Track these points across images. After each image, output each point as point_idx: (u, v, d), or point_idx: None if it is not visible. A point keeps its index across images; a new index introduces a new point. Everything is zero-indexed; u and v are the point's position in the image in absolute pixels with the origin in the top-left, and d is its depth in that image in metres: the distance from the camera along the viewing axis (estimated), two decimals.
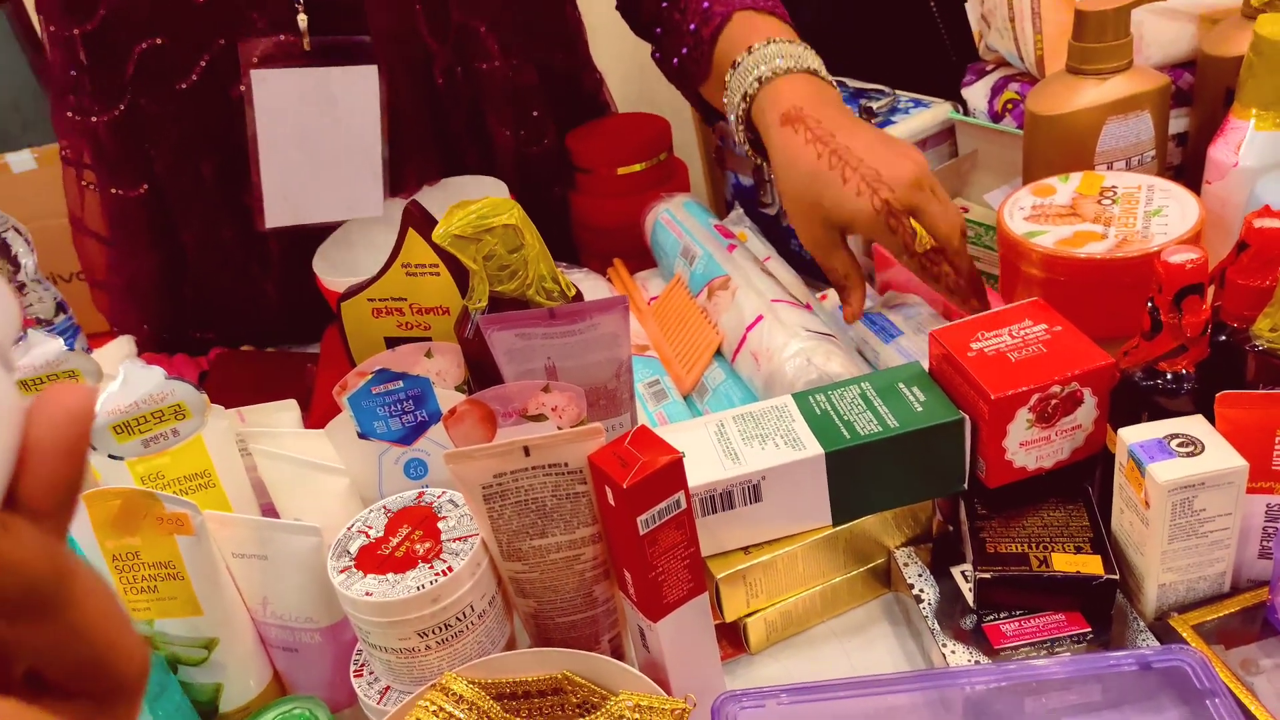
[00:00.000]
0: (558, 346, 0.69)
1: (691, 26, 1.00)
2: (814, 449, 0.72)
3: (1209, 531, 0.65)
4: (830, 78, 0.92)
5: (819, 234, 0.88)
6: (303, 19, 0.98)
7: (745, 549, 0.73)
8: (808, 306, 0.91)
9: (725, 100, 0.95)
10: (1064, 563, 0.69)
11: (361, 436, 0.72)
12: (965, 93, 1.11)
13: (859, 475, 0.72)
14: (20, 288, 0.96)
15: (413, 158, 1.08)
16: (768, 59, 0.91)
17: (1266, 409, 0.64)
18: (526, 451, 0.60)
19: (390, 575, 0.62)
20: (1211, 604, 0.68)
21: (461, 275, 0.78)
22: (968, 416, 0.72)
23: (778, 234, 1.13)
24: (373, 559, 0.63)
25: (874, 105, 1.09)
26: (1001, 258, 0.86)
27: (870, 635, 0.76)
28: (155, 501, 0.65)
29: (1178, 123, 0.98)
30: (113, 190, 1.08)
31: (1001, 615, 0.70)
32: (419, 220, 0.81)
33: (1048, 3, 0.97)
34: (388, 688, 0.66)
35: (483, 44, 1.08)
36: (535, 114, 1.15)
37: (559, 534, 0.63)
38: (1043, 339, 0.72)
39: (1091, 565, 0.68)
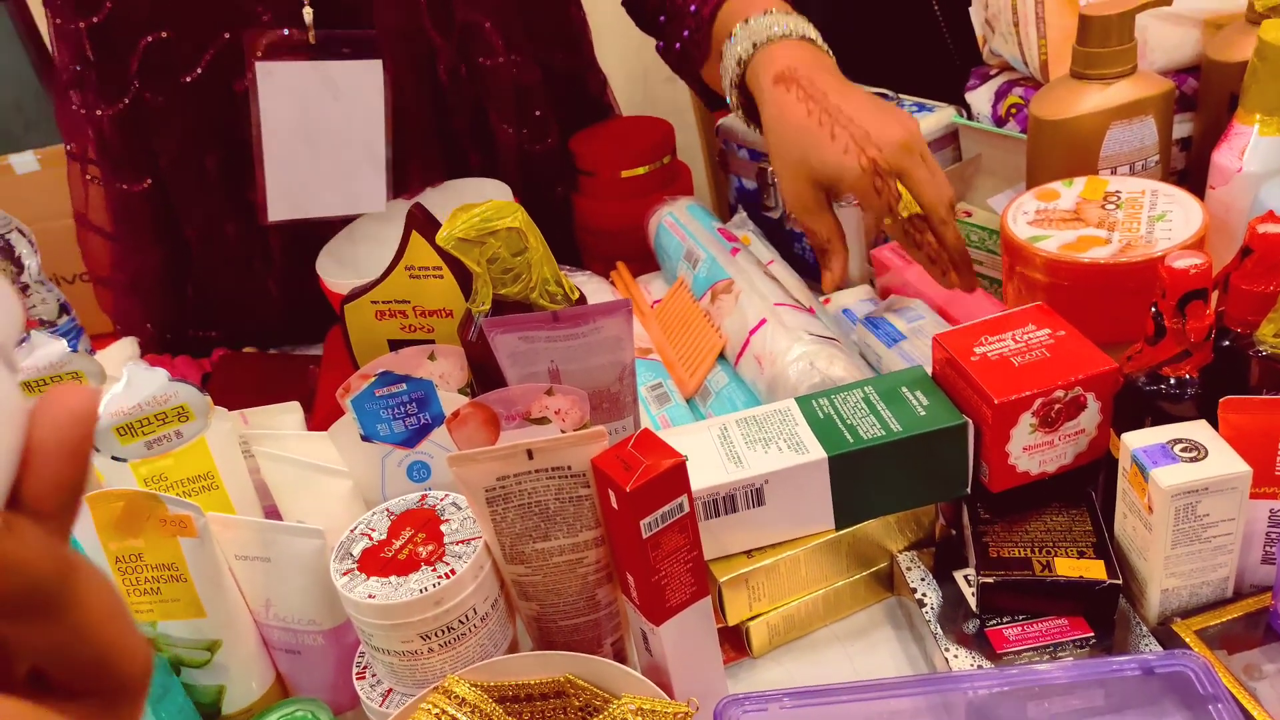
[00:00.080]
0: (561, 349, 0.69)
1: (692, 9, 1.01)
2: (817, 453, 0.72)
3: (1212, 537, 0.65)
4: (826, 47, 0.92)
5: (805, 192, 0.88)
6: (308, 12, 0.98)
7: (748, 552, 0.73)
8: (811, 310, 0.91)
9: (721, 68, 0.95)
10: (1067, 567, 0.69)
11: (364, 439, 0.72)
12: (969, 97, 1.11)
13: (862, 479, 0.72)
14: (24, 289, 0.96)
15: (416, 156, 1.08)
16: (765, 26, 0.91)
17: (1270, 414, 0.64)
18: (530, 454, 0.60)
19: (393, 578, 0.62)
20: (1214, 609, 0.68)
21: (465, 278, 0.78)
22: (971, 421, 0.72)
23: (781, 237, 1.13)
24: (375, 561, 0.63)
25: None
26: (1005, 262, 0.86)
27: (873, 639, 0.76)
28: (158, 503, 0.65)
29: (1181, 128, 0.98)
30: (117, 185, 1.09)
31: (1004, 620, 0.70)
32: (423, 223, 0.81)
33: (1052, 7, 0.97)
34: (390, 690, 0.66)
35: (487, 39, 1.08)
36: (538, 113, 1.15)
37: (562, 537, 0.63)
38: (1046, 344, 0.72)
39: (1094, 570, 0.68)
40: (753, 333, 0.89)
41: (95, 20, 1.01)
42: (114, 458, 0.71)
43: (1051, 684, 0.63)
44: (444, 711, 0.60)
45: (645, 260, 1.12)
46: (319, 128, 1.02)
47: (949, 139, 1.09)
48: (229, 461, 0.74)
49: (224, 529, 0.68)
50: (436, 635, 0.62)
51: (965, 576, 0.73)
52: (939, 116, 1.09)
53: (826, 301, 1.01)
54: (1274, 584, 0.67)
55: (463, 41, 1.07)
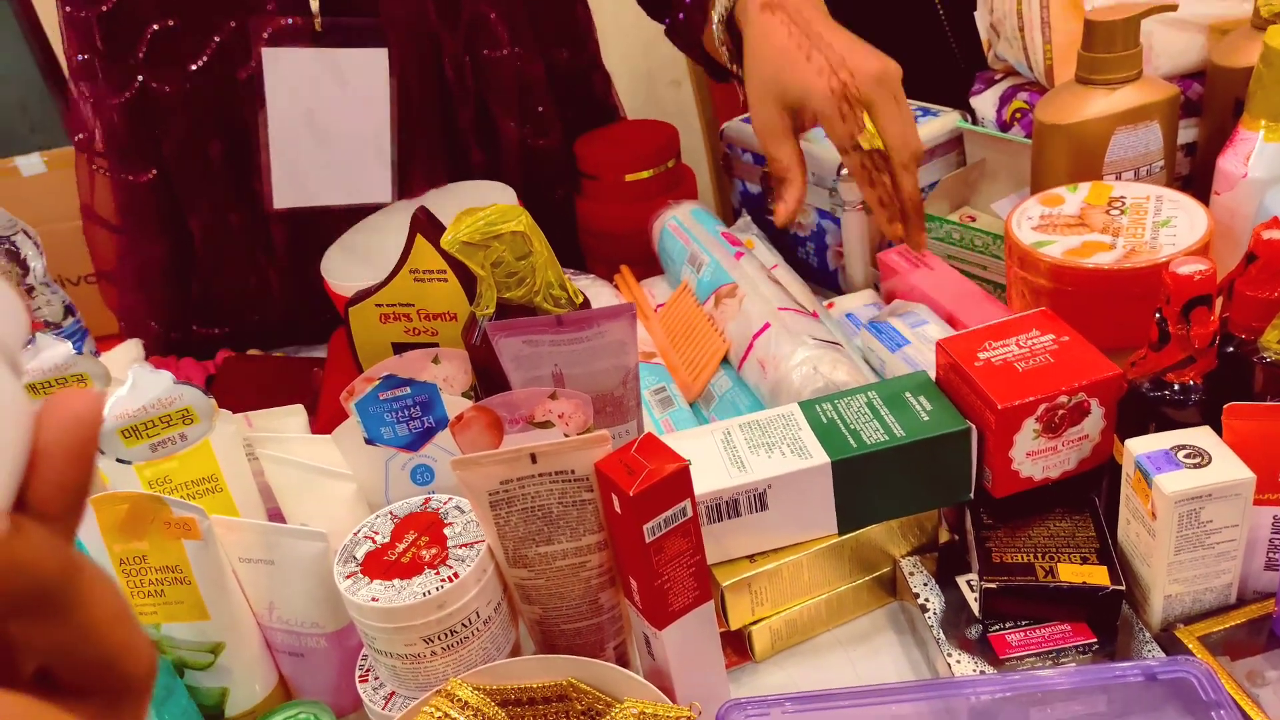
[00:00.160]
0: (565, 353, 0.69)
1: None
2: (820, 458, 0.72)
3: (1215, 543, 0.65)
4: None
5: (772, 116, 0.89)
6: (314, 1, 0.99)
7: (751, 557, 0.73)
8: (815, 315, 0.91)
9: (713, 14, 0.96)
10: (1070, 573, 0.69)
11: (368, 442, 0.72)
12: (974, 101, 1.11)
13: (865, 484, 0.72)
14: (29, 291, 0.96)
15: (420, 148, 1.09)
16: None
17: (1274, 421, 0.64)
18: (533, 458, 0.60)
19: (396, 581, 0.62)
20: (1218, 615, 0.68)
21: (469, 281, 0.78)
22: (974, 426, 0.72)
23: (785, 242, 1.13)
24: (379, 564, 0.63)
25: None
26: (1009, 267, 0.86)
27: (875, 644, 0.76)
28: (162, 506, 0.65)
29: (1186, 133, 0.98)
30: (123, 176, 1.09)
31: (1007, 625, 0.70)
32: (427, 226, 0.81)
33: (1057, 12, 0.97)
34: (393, 693, 0.66)
35: (492, 31, 1.08)
36: (541, 109, 1.15)
37: (565, 541, 0.63)
38: (1050, 349, 0.72)
39: (1097, 576, 0.68)
40: (756, 337, 0.89)
41: (105, 9, 1.01)
42: (118, 460, 0.71)
43: (1054, 690, 0.63)
44: (446, 715, 0.60)
45: (649, 264, 1.12)
46: (324, 116, 1.02)
47: (953, 143, 1.09)
48: (233, 464, 0.74)
49: (228, 531, 0.68)
50: (439, 638, 0.62)
51: (968, 582, 0.73)
52: (944, 121, 1.09)
53: (830, 306, 1.01)
54: (1277, 590, 0.67)
55: (468, 33, 1.07)
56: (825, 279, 1.12)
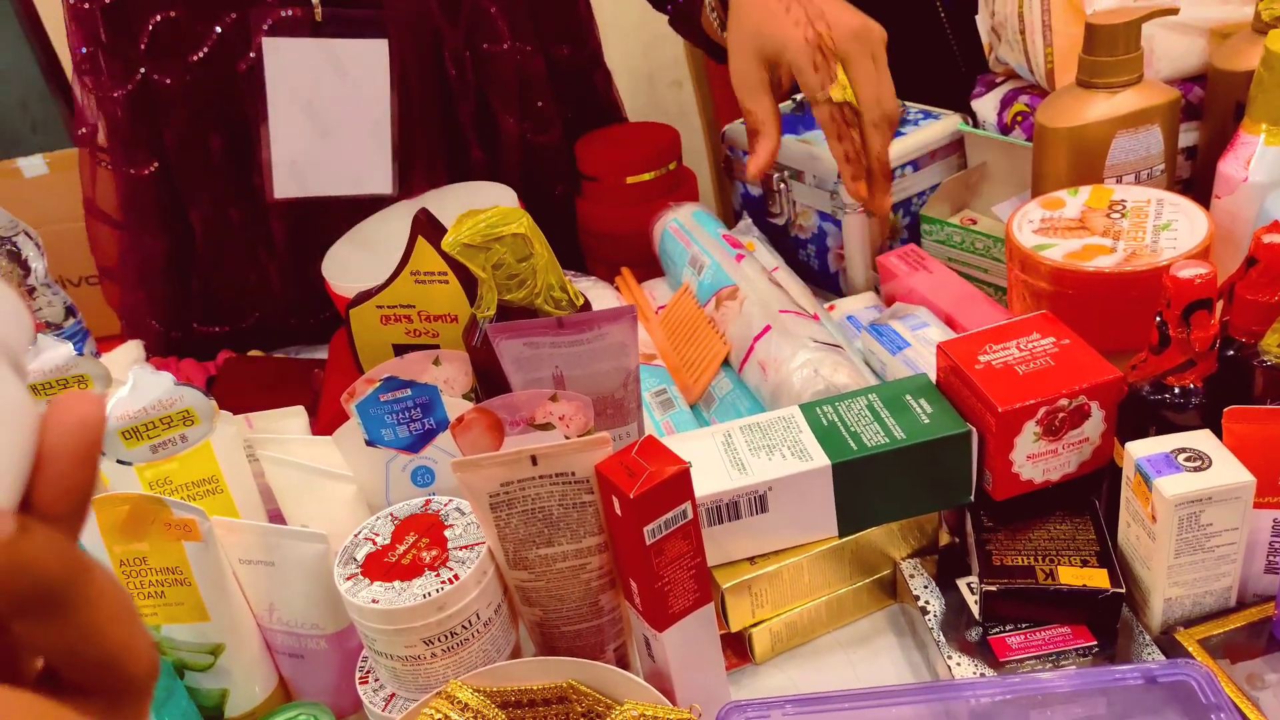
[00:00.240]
0: (565, 355, 0.69)
1: None
2: (821, 460, 0.72)
3: (1215, 546, 0.65)
4: None
5: (749, 69, 0.89)
6: None
7: (751, 559, 0.73)
8: (815, 317, 0.91)
9: None
10: (1070, 576, 0.69)
11: (369, 444, 0.72)
12: (975, 104, 1.11)
13: (865, 487, 0.72)
14: (30, 292, 0.96)
15: (421, 143, 1.09)
16: None
17: (1274, 424, 0.64)
18: (534, 460, 0.60)
19: (396, 583, 0.62)
20: (1217, 618, 0.68)
21: (470, 283, 0.78)
22: (975, 429, 0.72)
23: (786, 244, 1.13)
24: (379, 566, 0.64)
25: None
26: (1010, 270, 0.86)
27: (875, 646, 0.76)
28: (163, 507, 0.65)
29: (1187, 137, 0.98)
30: (125, 169, 1.09)
31: (1007, 628, 0.70)
32: (428, 228, 0.81)
33: (1058, 15, 0.97)
34: (393, 695, 0.66)
35: (493, 25, 1.09)
36: (540, 104, 1.15)
37: (565, 543, 0.63)
38: (1050, 352, 0.72)
39: (1098, 579, 0.68)
40: (757, 339, 0.89)
41: (108, 0, 1.01)
42: (119, 461, 0.71)
43: (1054, 693, 0.63)
44: (447, 717, 0.60)
45: (650, 265, 1.12)
46: (324, 106, 1.02)
47: (954, 146, 1.09)
48: (233, 465, 0.74)
49: (228, 533, 0.68)
50: (439, 640, 0.62)
51: (968, 584, 0.73)
52: (944, 124, 1.09)
53: (831, 308, 1.01)
54: (1277, 594, 0.67)
55: (469, 27, 1.08)
56: (826, 281, 1.12)
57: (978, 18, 1.10)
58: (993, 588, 0.69)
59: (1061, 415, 0.70)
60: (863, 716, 0.64)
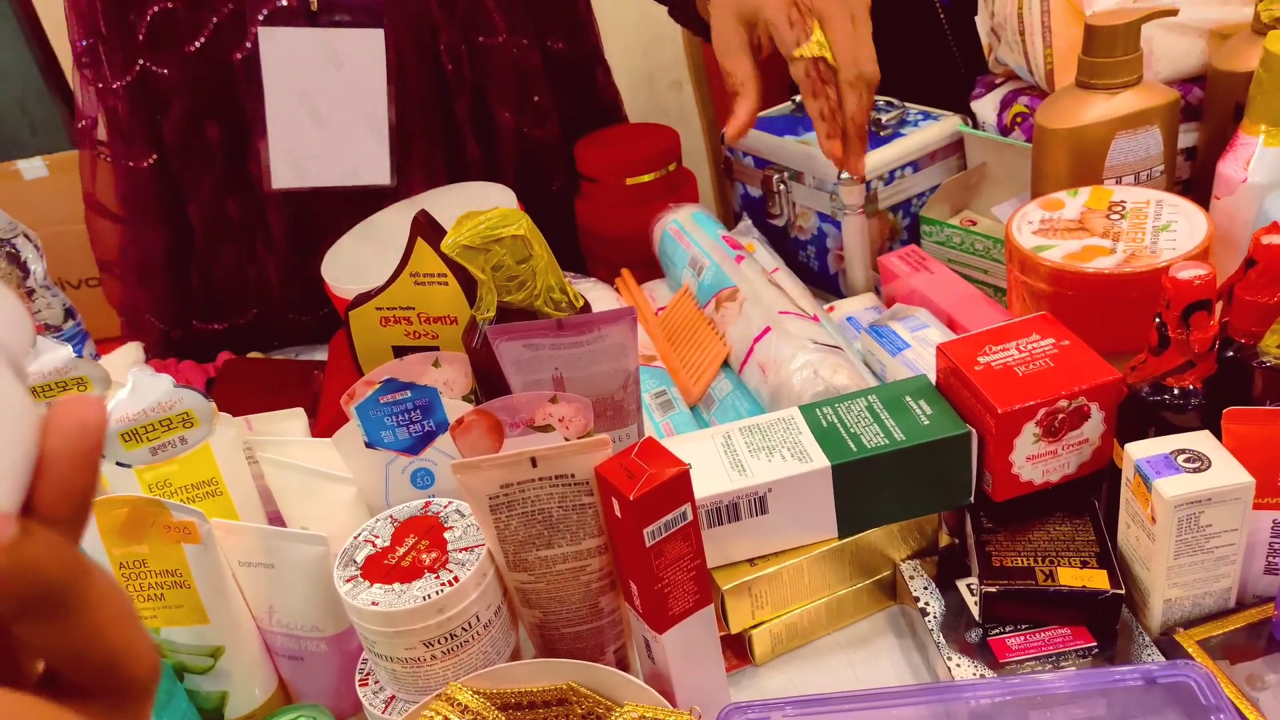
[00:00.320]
0: (565, 357, 0.69)
1: None
2: (820, 461, 0.72)
3: (1215, 547, 0.65)
4: None
5: (730, 31, 0.90)
6: None
7: (751, 561, 0.73)
8: (815, 318, 0.91)
9: None
10: (1070, 577, 0.69)
11: (369, 445, 0.72)
12: (974, 106, 1.11)
13: (865, 488, 0.72)
14: (29, 293, 0.96)
15: (417, 140, 1.09)
16: None
17: (1274, 425, 0.64)
18: (534, 462, 0.60)
19: (396, 585, 0.62)
20: (1217, 619, 0.68)
21: (470, 285, 0.78)
22: (974, 430, 0.72)
23: (786, 245, 1.13)
24: (379, 568, 0.64)
25: (883, 117, 1.09)
26: (1009, 271, 0.86)
27: (875, 648, 0.76)
28: (162, 509, 0.65)
29: (1187, 137, 0.98)
30: (124, 162, 1.10)
31: (1007, 629, 0.70)
32: (428, 229, 0.81)
33: (1058, 17, 0.97)
34: (393, 697, 0.66)
35: (489, 17, 1.09)
36: (537, 99, 1.15)
37: (565, 545, 0.63)
38: (1050, 353, 0.72)
39: (1097, 580, 0.68)
40: (757, 340, 0.89)
41: None
42: (118, 463, 0.71)
43: (1054, 694, 0.63)
44: (447, 719, 0.60)
45: (650, 267, 1.12)
46: (321, 96, 1.02)
47: (954, 147, 1.09)
48: (233, 467, 0.74)
49: (228, 535, 0.68)
50: (439, 642, 0.62)
51: (968, 585, 0.73)
52: (944, 125, 1.09)
53: (831, 309, 1.01)
54: (1277, 595, 0.67)
55: (465, 19, 1.08)
56: (826, 282, 1.12)
57: (977, 19, 1.10)
58: (993, 589, 0.69)
59: (1061, 416, 0.70)
60: (863, 718, 0.64)
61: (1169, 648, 0.67)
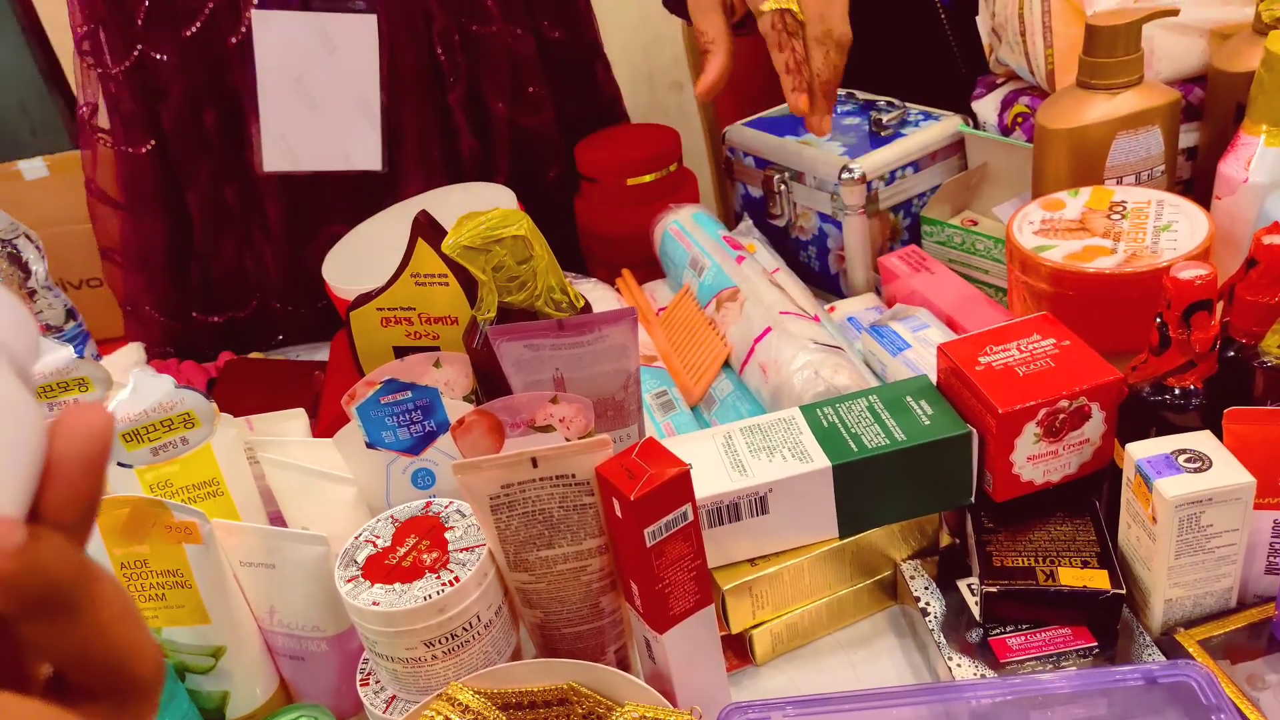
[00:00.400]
0: (566, 358, 0.69)
1: None
2: (821, 462, 0.72)
3: (1216, 547, 0.65)
4: None
5: None
6: None
7: (752, 561, 0.73)
8: (816, 319, 0.91)
9: None
10: (1070, 577, 0.69)
11: (369, 446, 0.72)
12: (975, 106, 1.11)
13: (866, 488, 0.72)
14: (30, 294, 0.96)
15: (410, 129, 1.09)
16: None
17: (1274, 425, 0.64)
18: (534, 463, 0.60)
19: (397, 585, 0.62)
20: (1218, 619, 0.68)
21: (470, 286, 0.78)
22: (975, 430, 0.72)
23: (787, 246, 1.13)
24: (380, 568, 0.64)
25: (884, 117, 1.09)
26: (1010, 271, 0.86)
27: (876, 648, 0.76)
28: (163, 510, 0.65)
29: (1188, 138, 0.98)
30: (124, 148, 1.10)
31: (1007, 629, 0.70)
32: (428, 230, 0.81)
33: (1059, 17, 0.97)
34: (394, 697, 0.66)
35: (483, 5, 1.09)
36: (531, 89, 1.15)
37: (566, 545, 0.63)
38: (1051, 353, 0.72)
39: (1098, 580, 0.68)
40: (757, 341, 0.89)
41: None
42: (120, 464, 0.71)
43: (1054, 694, 0.63)
44: (448, 718, 0.60)
45: (651, 267, 1.12)
46: (314, 80, 1.03)
47: (955, 148, 1.09)
48: (234, 468, 0.74)
49: (229, 535, 0.68)
50: (440, 642, 0.62)
51: (969, 585, 0.73)
52: (945, 125, 1.09)
53: (831, 310, 1.01)
54: (1278, 594, 0.67)
55: (458, 7, 1.08)
56: (827, 283, 1.12)
57: (978, 19, 1.10)
58: (993, 589, 0.69)
59: (1062, 416, 0.70)
60: (863, 718, 0.64)
61: (1170, 648, 0.67)
